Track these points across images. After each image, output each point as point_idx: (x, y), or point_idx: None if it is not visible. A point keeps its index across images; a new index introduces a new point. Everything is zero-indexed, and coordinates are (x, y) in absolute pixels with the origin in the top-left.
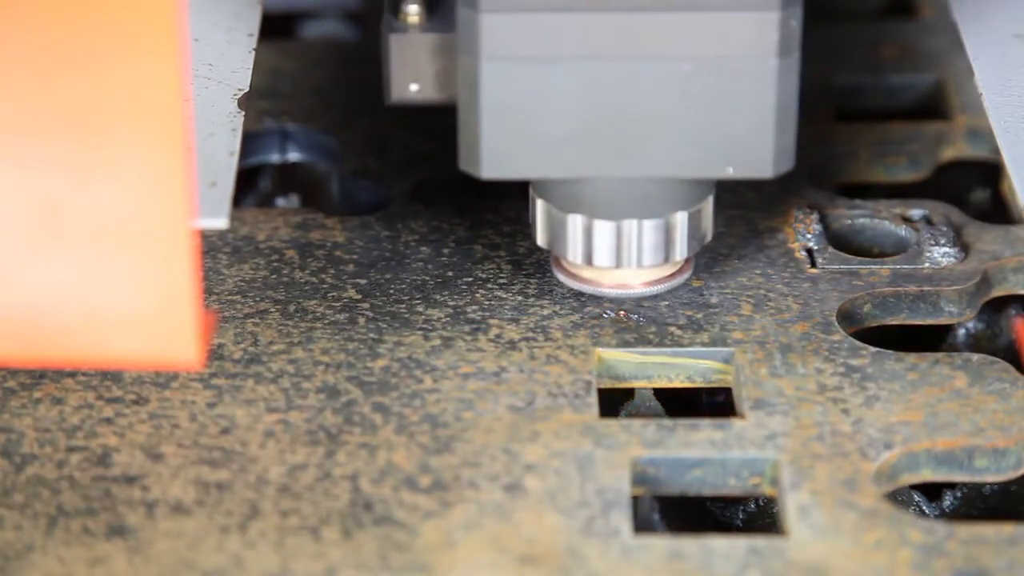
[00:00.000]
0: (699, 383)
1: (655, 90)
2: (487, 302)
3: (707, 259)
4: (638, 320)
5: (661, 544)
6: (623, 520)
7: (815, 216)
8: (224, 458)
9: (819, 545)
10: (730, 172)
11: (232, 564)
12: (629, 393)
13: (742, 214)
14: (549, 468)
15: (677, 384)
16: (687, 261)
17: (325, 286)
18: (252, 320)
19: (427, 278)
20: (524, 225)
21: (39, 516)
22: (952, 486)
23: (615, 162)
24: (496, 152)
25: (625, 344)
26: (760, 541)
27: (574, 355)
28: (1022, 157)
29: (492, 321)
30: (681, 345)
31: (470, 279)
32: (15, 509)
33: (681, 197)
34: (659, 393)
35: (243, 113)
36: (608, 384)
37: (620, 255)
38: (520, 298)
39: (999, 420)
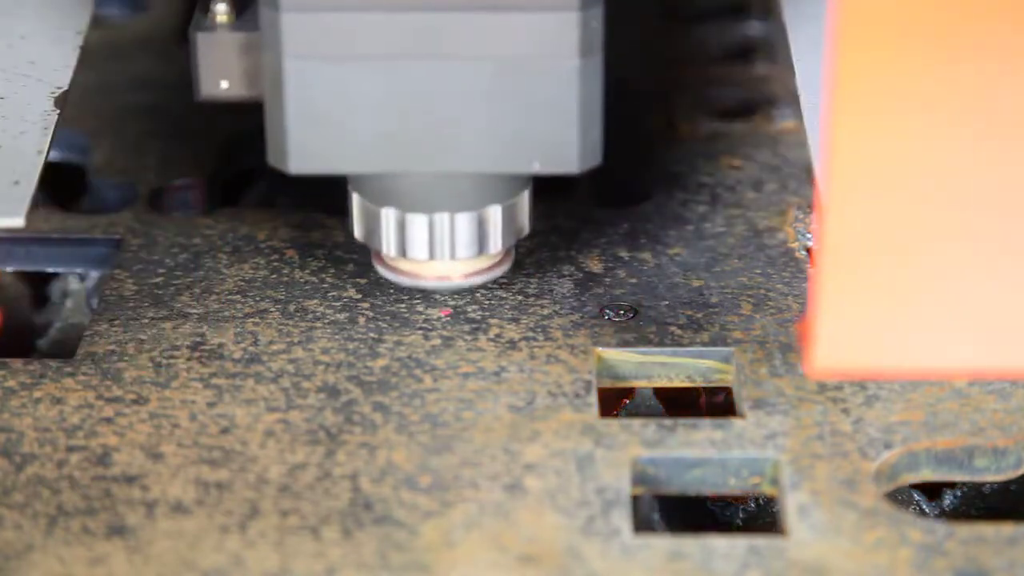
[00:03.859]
0: (699, 383)
1: (459, 89)
2: (487, 302)
3: (707, 259)
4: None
5: (661, 544)
6: (623, 520)
7: (815, 215)
8: (224, 458)
9: (819, 545)
10: (536, 168)
11: (232, 564)
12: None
13: (742, 214)
14: (549, 468)
15: (677, 384)
16: (507, 252)
17: (325, 286)
18: (252, 320)
19: None
20: None
21: (39, 516)
22: (952, 485)
23: (422, 158)
24: (303, 147)
25: (625, 344)
26: (760, 541)
27: (574, 355)
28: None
29: (492, 321)
30: (681, 345)
31: None
32: (15, 509)
33: (494, 191)
34: (659, 392)
35: (59, 111)
36: (608, 384)
37: (433, 248)
38: (520, 298)
39: (999, 419)
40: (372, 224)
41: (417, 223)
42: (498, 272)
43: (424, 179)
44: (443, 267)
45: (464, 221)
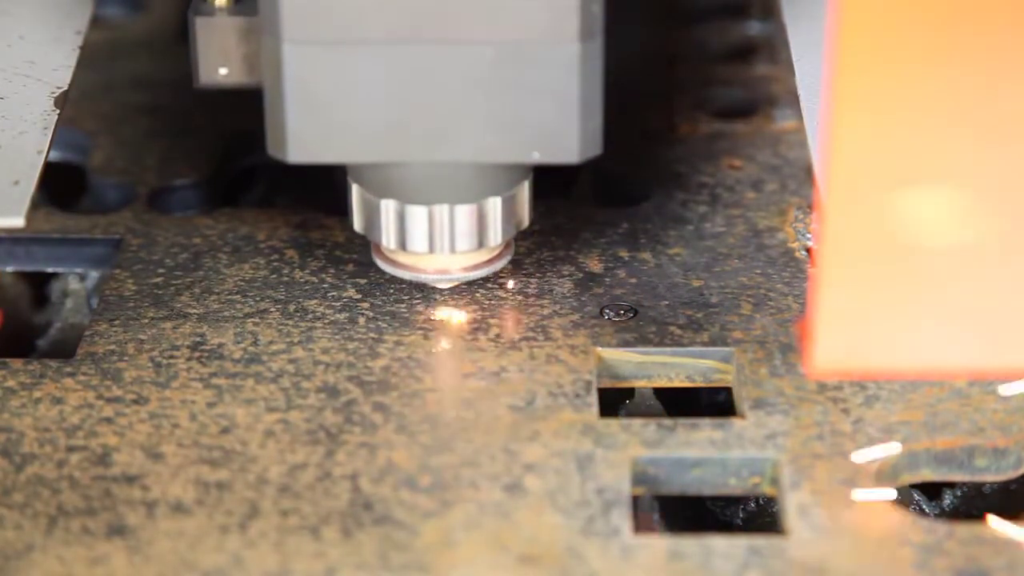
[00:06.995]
0: (699, 383)
1: (459, 75)
2: (487, 302)
3: (707, 259)
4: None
5: (661, 544)
6: (623, 520)
7: (815, 215)
8: (224, 458)
9: (819, 545)
10: (536, 157)
11: (232, 564)
12: (629, 392)
13: (742, 214)
14: (549, 468)
15: (677, 384)
16: (506, 245)
17: (325, 286)
18: (252, 320)
19: None
20: None
21: (39, 516)
22: (952, 485)
23: (421, 147)
24: (303, 136)
25: (625, 344)
26: (760, 541)
27: (574, 355)
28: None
29: (492, 321)
30: (681, 345)
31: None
32: (15, 509)
33: (494, 182)
34: (659, 392)
35: (59, 112)
36: (608, 384)
37: (433, 240)
38: (520, 298)
39: (999, 419)
40: (372, 216)
41: (416, 215)
42: (497, 266)
43: (423, 170)
44: (443, 260)
45: (463, 213)
